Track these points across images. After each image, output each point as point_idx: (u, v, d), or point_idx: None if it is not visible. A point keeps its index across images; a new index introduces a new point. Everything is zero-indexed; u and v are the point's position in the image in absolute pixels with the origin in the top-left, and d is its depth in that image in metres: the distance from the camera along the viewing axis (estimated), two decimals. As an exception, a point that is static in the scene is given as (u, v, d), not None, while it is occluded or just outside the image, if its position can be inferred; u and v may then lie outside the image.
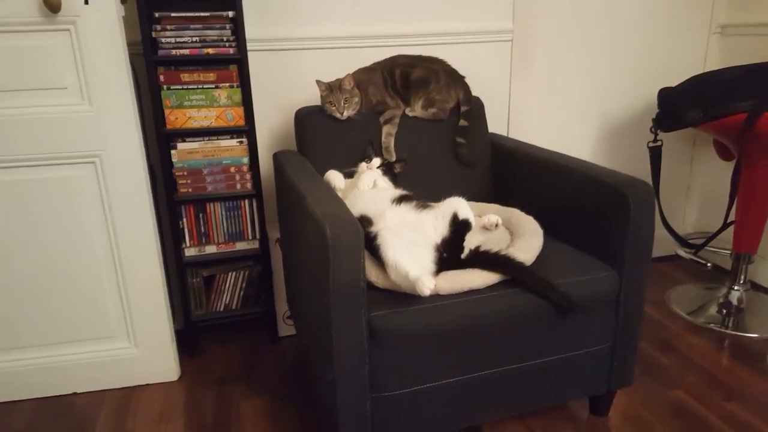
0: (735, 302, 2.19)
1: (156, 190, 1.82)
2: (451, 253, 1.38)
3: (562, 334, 1.42)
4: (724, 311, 2.17)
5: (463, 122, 1.93)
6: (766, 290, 2.34)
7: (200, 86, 1.77)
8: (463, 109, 1.93)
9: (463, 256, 1.39)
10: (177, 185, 1.83)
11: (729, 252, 2.20)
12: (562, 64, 2.34)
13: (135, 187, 1.67)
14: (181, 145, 1.81)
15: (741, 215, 2.11)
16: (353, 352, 1.25)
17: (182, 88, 1.76)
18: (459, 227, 1.40)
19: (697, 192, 2.70)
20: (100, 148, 1.61)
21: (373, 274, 1.33)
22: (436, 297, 1.29)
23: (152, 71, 1.72)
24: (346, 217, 1.25)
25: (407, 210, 1.47)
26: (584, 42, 2.34)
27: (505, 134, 2.32)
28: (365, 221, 1.41)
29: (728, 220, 2.08)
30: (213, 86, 1.78)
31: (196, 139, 1.81)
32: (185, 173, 1.83)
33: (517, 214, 1.64)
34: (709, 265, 2.28)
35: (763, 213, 2.08)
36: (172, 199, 1.83)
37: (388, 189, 1.65)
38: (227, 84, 1.79)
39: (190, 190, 1.84)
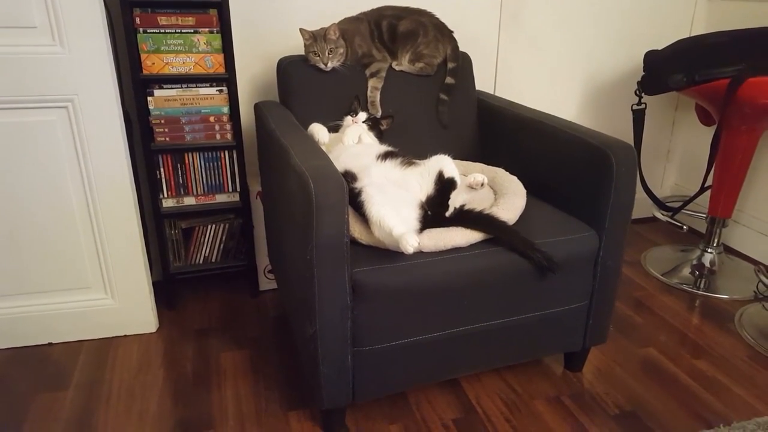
0: (708, 264, 2.24)
1: (132, 139, 1.76)
2: (435, 210, 1.37)
3: (542, 293, 1.44)
4: (697, 273, 2.23)
5: (449, 80, 1.89)
6: (737, 253, 2.40)
7: (178, 30, 1.69)
8: (450, 65, 1.89)
9: (447, 214, 1.39)
10: (154, 134, 1.77)
11: (704, 216, 2.24)
12: (550, 23, 2.30)
13: (110, 134, 1.61)
14: (158, 92, 1.74)
15: (718, 180, 2.14)
16: (336, 307, 1.25)
17: (159, 32, 1.68)
18: (444, 185, 1.39)
19: (676, 156, 2.72)
20: (73, 92, 1.54)
21: (356, 230, 1.32)
22: (419, 254, 1.30)
23: (127, 13, 1.64)
24: (331, 171, 1.22)
25: (392, 166, 1.45)
26: (573, 2, 2.29)
27: (491, 92, 2.29)
28: (349, 177, 1.39)
29: (705, 185, 2.11)
30: (192, 31, 1.70)
31: (174, 86, 1.74)
32: (162, 121, 1.76)
33: (501, 174, 1.63)
34: (684, 227, 2.33)
35: (739, 179, 2.11)
36: (149, 148, 1.77)
37: (373, 144, 1.62)
38: (207, 29, 1.71)
39: (167, 139, 1.79)
